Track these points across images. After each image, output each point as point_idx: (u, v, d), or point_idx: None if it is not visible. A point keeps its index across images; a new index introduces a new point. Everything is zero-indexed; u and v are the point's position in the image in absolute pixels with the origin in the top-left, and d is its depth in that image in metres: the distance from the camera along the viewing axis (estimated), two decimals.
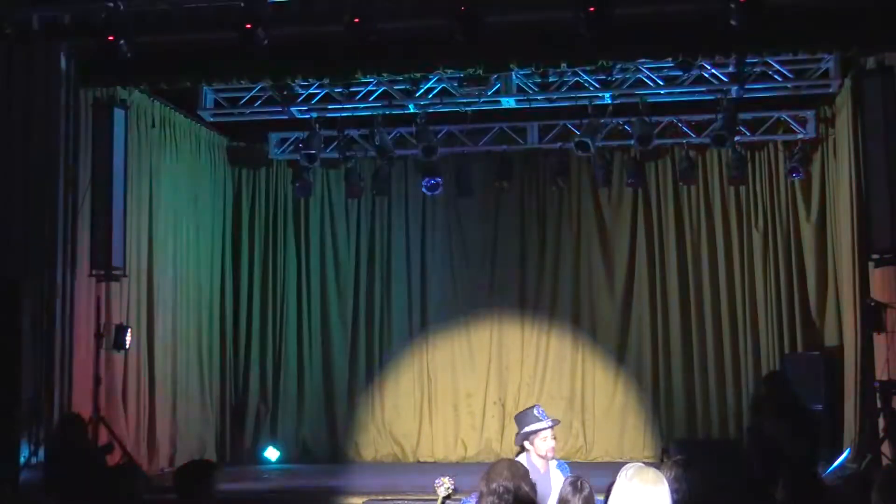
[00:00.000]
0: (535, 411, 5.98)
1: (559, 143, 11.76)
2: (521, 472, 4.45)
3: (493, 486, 4.33)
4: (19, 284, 8.43)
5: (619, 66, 10.07)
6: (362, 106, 11.13)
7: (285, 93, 10.56)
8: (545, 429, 5.87)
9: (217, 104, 11.44)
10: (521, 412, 6.17)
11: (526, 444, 5.94)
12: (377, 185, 11.99)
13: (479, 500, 4.44)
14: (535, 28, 8.72)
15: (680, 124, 11.70)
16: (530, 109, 11.30)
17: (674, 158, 12.06)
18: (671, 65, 10.01)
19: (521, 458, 5.89)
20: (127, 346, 9.77)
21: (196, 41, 8.90)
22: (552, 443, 5.89)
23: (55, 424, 8.21)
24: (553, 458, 5.91)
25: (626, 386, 12.02)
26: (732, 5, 7.41)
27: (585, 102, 10.82)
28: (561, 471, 5.92)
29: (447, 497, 5.88)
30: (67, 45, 9.03)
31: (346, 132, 11.63)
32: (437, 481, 5.86)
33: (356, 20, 7.74)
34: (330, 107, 11.20)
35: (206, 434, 11.83)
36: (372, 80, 10.49)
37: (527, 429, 5.88)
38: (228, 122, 11.98)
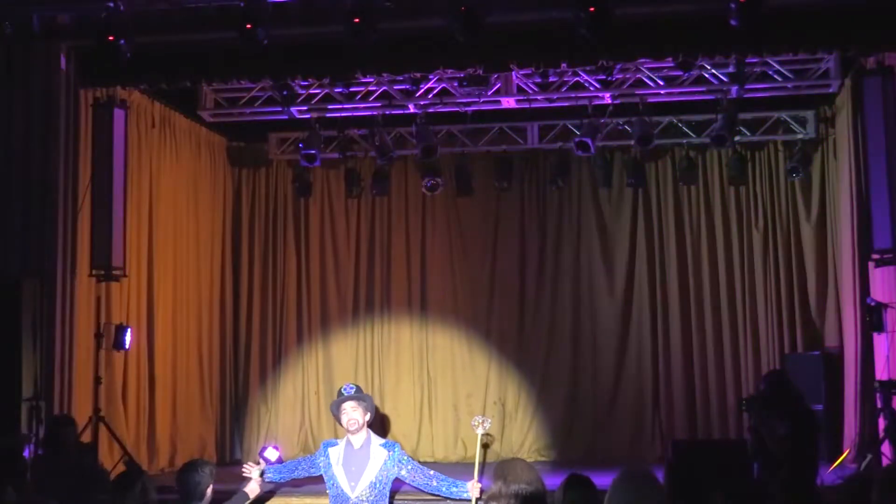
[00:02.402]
0: (343, 388, 6.30)
1: (559, 143, 11.76)
2: (539, 475, 4.46)
3: (514, 488, 4.33)
4: (19, 284, 8.43)
5: (619, 66, 10.06)
6: (362, 106, 11.13)
7: (285, 93, 10.55)
8: (343, 401, 6.16)
9: (217, 104, 11.44)
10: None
11: (339, 424, 6.27)
12: (377, 185, 11.99)
13: (491, 498, 4.43)
14: (535, 28, 8.72)
15: (680, 124, 11.70)
16: (530, 109, 11.30)
17: (674, 158, 12.06)
18: (671, 65, 10.00)
19: (341, 442, 6.17)
20: (127, 346, 9.77)
21: (196, 41, 8.90)
22: (352, 414, 6.13)
23: (46, 426, 8.17)
24: (356, 431, 6.18)
25: (626, 386, 12.01)
26: (732, 5, 7.40)
27: (585, 102, 10.83)
28: (386, 448, 6.20)
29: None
30: (67, 45, 9.03)
31: (346, 132, 11.63)
32: (476, 421, 5.95)
33: (356, 20, 7.73)
34: (330, 107, 11.20)
35: (206, 434, 11.83)
36: (372, 80, 10.50)
37: (332, 407, 6.16)
38: (228, 122, 11.98)
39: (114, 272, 9.62)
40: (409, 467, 6.26)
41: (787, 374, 7.89)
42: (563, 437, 11.94)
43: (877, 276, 9.58)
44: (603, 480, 4.37)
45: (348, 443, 6.26)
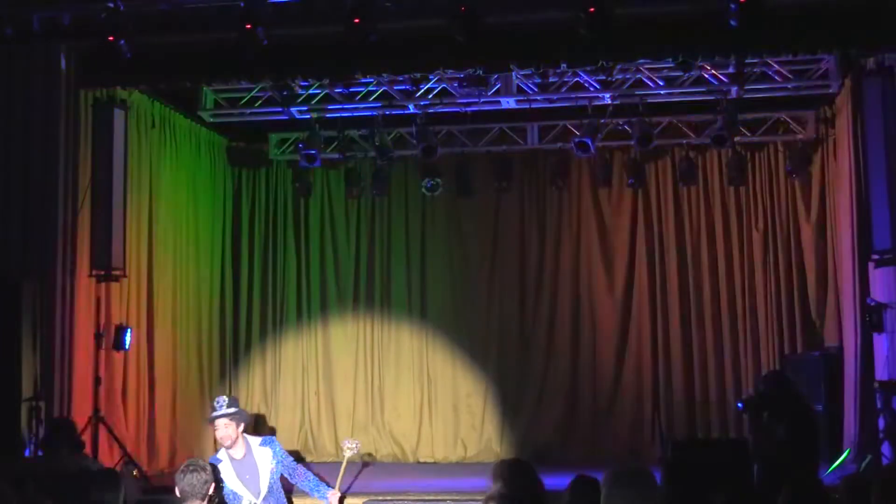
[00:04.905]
0: (215, 403, 6.37)
1: (559, 144, 11.77)
2: (538, 476, 4.46)
3: (513, 489, 4.32)
4: (19, 284, 8.43)
5: (618, 66, 10.06)
6: (362, 106, 11.14)
7: (285, 93, 10.55)
8: (214, 419, 6.26)
9: (217, 105, 11.46)
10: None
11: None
12: (377, 186, 11.99)
13: (490, 499, 4.44)
14: (535, 28, 8.71)
15: (680, 125, 11.71)
16: (530, 110, 11.31)
17: (674, 159, 12.06)
18: (671, 65, 10.01)
19: (221, 450, 6.23)
20: (127, 347, 9.77)
21: (196, 41, 8.90)
22: (224, 431, 6.25)
23: (44, 431, 8.15)
24: (232, 446, 6.28)
25: (626, 386, 12.01)
26: (732, 5, 7.41)
27: (585, 103, 10.83)
28: (266, 446, 6.36)
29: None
30: (67, 46, 9.03)
31: (345, 132, 11.63)
32: (348, 444, 6.32)
33: (356, 20, 7.73)
34: (330, 107, 11.20)
35: (205, 434, 11.82)
36: (372, 80, 10.50)
37: (208, 418, 6.25)
38: (228, 123, 11.99)
39: (113, 272, 9.61)
40: (286, 466, 6.40)
41: (786, 375, 7.91)
42: (563, 437, 11.94)
43: (877, 276, 9.58)
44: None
45: (230, 456, 6.27)
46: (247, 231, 12.76)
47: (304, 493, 6.60)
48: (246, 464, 6.27)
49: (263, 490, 6.23)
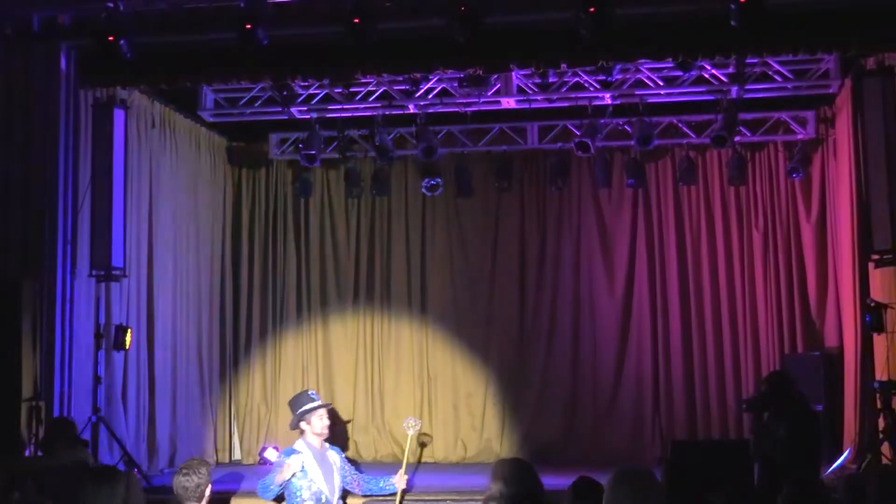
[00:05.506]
0: (310, 393, 6.50)
1: (559, 144, 11.76)
2: (537, 476, 4.46)
3: (512, 489, 4.32)
4: (19, 284, 8.43)
5: (619, 66, 10.06)
6: (362, 106, 11.14)
7: (285, 93, 10.55)
8: (320, 407, 6.52)
9: (217, 104, 11.45)
10: (294, 396, 6.57)
11: (302, 424, 6.36)
12: (377, 186, 12.00)
13: (490, 499, 4.44)
14: (535, 28, 8.72)
15: (680, 125, 11.71)
16: (530, 110, 11.30)
17: (674, 159, 12.06)
18: (671, 65, 10.01)
19: (299, 442, 6.28)
20: (127, 347, 9.77)
21: (196, 41, 8.90)
22: (327, 421, 6.57)
23: (44, 431, 8.15)
24: (327, 436, 6.57)
25: (626, 386, 12.01)
26: (732, 6, 7.40)
27: (585, 103, 10.83)
28: (336, 452, 6.67)
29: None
30: (67, 45, 9.03)
31: (346, 132, 11.63)
32: (409, 423, 6.40)
33: (356, 20, 7.73)
34: (330, 107, 11.20)
35: (205, 434, 11.83)
36: (372, 80, 10.50)
37: (305, 407, 6.30)
38: (228, 123, 11.99)
39: (114, 272, 9.62)
40: (350, 473, 6.43)
41: (788, 375, 7.89)
42: (563, 437, 11.94)
43: (876, 276, 9.58)
44: (603, 481, 4.37)
45: (312, 448, 6.29)
46: (247, 231, 12.77)
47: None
48: (325, 460, 6.34)
49: (337, 490, 6.29)
